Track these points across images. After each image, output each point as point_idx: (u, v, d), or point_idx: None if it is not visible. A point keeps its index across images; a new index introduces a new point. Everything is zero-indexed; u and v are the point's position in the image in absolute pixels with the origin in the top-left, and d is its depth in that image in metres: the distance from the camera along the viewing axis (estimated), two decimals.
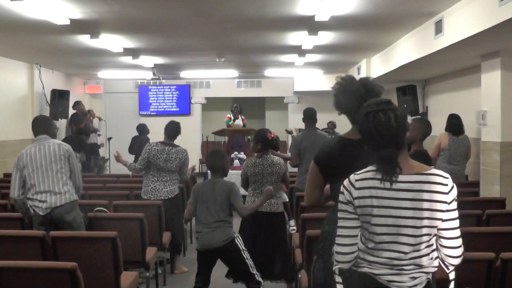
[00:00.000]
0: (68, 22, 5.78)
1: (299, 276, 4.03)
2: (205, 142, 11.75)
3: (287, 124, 13.42)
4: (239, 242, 3.98)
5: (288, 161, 6.27)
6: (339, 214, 2.12)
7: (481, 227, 4.18)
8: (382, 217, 2.02)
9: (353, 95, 2.60)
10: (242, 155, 9.37)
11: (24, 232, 3.98)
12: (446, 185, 2.03)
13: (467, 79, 8.03)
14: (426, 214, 2.00)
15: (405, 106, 9.50)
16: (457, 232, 2.08)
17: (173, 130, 5.55)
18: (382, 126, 2.01)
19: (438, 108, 9.17)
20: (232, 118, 10.38)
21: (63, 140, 9.66)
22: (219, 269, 4.21)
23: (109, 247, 3.55)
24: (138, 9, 5.63)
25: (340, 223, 2.12)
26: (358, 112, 2.13)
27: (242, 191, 4.39)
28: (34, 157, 4.13)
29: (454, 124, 6.70)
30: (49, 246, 3.61)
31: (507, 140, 6.02)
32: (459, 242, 2.08)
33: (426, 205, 2.00)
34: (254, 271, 3.97)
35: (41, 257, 3.59)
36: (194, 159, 13.17)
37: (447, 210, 2.03)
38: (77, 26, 6.18)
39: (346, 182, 2.10)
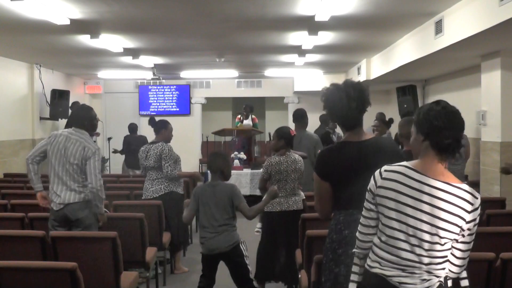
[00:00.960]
0: (68, 22, 5.78)
1: (299, 276, 4.03)
2: (205, 142, 11.75)
3: (287, 124, 13.41)
4: (244, 248, 3.97)
5: None
6: (365, 204, 2.18)
7: (481, 227, 4.17)
8: (398, 213, 2.03)
9: (346, 99, 2.65)
10: (242, 155, 9.36)
11: (24, 232, 3.99)
12: (472, 204, 2.02)
13: (467, 79, 8.03)
14: (442, 224, 1.99)
15: (405, 106, 9.49)
16: (466, 254, 2.10)
17: (154, 125, 5.57)
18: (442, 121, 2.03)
19: None
20: (242, 118, 10.34)
21: None
22: (220, 269, 4.20)
23: (109, 247, 3.55)
24: (138, 9, 5.63)
25: (363, 212, 2.20)
26: (417, 111, 2.13)
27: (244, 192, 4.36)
28: (59, 149, 4.11)
29: None
30: (49, 246, 3.61)
31: (507, 140, 6.02)
32: (463, 262, 2.11)
33: (442, 215, 1.99)
34: (252, 277, 4.02)
35: (41, 257, 3.59)
36: (194, 159, 13.20)
37: (465, 230, 2.03)
38: (77, 26, 6.18)
39: (377, 170, 2.14)
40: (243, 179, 8.92)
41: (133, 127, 9.70)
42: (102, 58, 9.25)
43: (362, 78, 9.87)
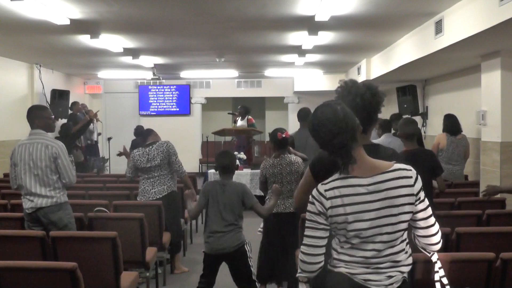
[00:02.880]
0: (68, 22, 5.78)
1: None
2: (205, 142, 11.75)
3: (287, 124, 13.43)
4: (248, 249, 3.96)
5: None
6: (308, 224, 2.12)
7: (481, 227, 4.18)
8: (358, 222, 2.02)
9: (359, 98, 2.55)
10: (242, 155, 9.36)
11: (24, 232, 3.98)
12: (411, 177, 2.05)
13: (467, 79, 8.03)
14: (396, 210, 2.02)
15: (405, 106, 9.49)
16: (432, 220, 2.11)
17: (141, 134, 5.59)
18: (322, 123, 2.04)
19: (438, 108, 9.16)
20: (236, 119, 10.33)
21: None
22: (220, 269, 4.20)
23: (109, 247, 3.55)
24: (138, 9, 5.63)
25: (308, 232, 2.11)
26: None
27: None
28: (24, 157, 4.12)
29: (451, 124, 6.70)
30: (49, 246, 3.61)
31: (507, 140, 6.02)
32: (435, 229, 2.12)
33: (395, 201, 2.02)
34: (255, 278, 4.00)
35: (41, 257, 3.59)
36: (194, 159, 13.20)
37: (417, 201, 2.05)
38: (77, 26, 6.18)
39: (315, 192, 2.09)
40: (243, 179, 8.91)
41: (140, 131, 9.58)
42: (102, 58, 9.25)
43: (362, 78, 9.87)
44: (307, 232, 2.12)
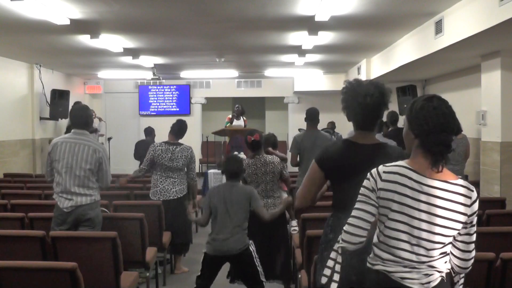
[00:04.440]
0: (68, 22, 5.78)
1: (299, 276, 4.03)
2: (205, 142, 11.75)
3: (287, 124, 13.43)
4: (253, 249, 3.96)
5: (288, 161, 6.27)
6: (359, 197, 2.12)
7: (481, 227, 4.18)
8: (401, 214, 2.02)
9: (369, 97, 2.53)
10: (241, 155, 9.36)
11: (24, 232, 3.98)
12: (470, 197, 2.03)
13: (467, 79, 8.03)
14: (441, 222, 2.00)
15: (405, 106, 9.48)
16: (472, 246, 2.09)
17: (180, 129, 5.53)
18: (437, 113, 2.02)
19: None
20: (233, 119, 10.34)
21: None
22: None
23: (109, 247, 3.55)
24: (138, 9, 5.63)
25: (358, 205, 2.11)
26: (410, 105, 2.11)
27: None
28: (67, 156, 4.09)
29: None
30: (49, 246, 3.61)
31: (507, 140, 6.02)
32: (472, 254, 2.10)
33: (442, 213, 2.00)
34: (263, 278, 3.97)
35: (41, 257, 3.59)
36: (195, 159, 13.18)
37: (466, 223, 2.03)
38: (77, 26, 6.18)
39: (374, 171, 2.10)
40: None
41: (150, 131, 9.49)
42: (102, 58, 9.25)
43: (362, 78, 9.87)
44: (358, 205, 2.11)
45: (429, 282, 2.03)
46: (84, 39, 7.11)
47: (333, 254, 2.20)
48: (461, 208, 2.00)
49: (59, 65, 10.38)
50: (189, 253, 6.32)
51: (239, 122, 10.14)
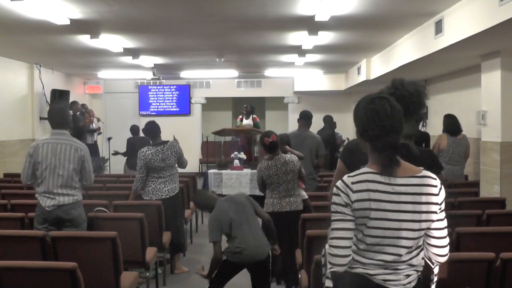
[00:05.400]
0: (68, 22, 5.78)
1: (299, 276, 4.03)
2: (205, 142, 11.75)
3: (287, 124, 13.43)
4: (270, 253, 3.96)
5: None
6: (334, 216, 2.06)
7: (481, 227, 4.18)
8: (380, 220, 2.00)
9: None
10: (242, 155, 9.37)
11: (24, 232, 3.98)
12: (436, 186, 2.05)
13: (467, 79, 8.03)
14: (423, 216, 2.01)
15: None
16: (445, 232, 2.10)
17: (152, 130, 5.49)
18: (380, 116, 1.99)
19: (438, 108, 9.17)
20: (243, 118, 10.32)
21: None
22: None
23: (109, 247, 3.55)
24: (138, 9, 5.63)
25: (336, 225, 2.05)
26: (354, 109, 2.09)
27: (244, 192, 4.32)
28: (50, 156, 4.11)
29: (450, 124, 6.70)
30: (49, 246, 3.61)
31: (507, 140, 6.02)
32: (446, 241, 2.11)
33: (424, 207, 2.01)
34: (270, 280, 4.01)
35: (41, 257, 3.59)
36: (194, 159, 13.19)
37: (439, 211, 2.05)
38: (77, 26, 6.18)
39: (340, 184, 2.04)
40: (243, 179, 8.92)
41: (135, 129, 9.54)
42: (102, 58, 9.25)
43: (362, 78, 9.88)
44: (335, 224, 2.05)
45: (409, 282, 2.04)
46: (84, 39, 7.11)
47: (328, 283, 2.12)
48: (433, 198, 2.02)
49: (59, 65, 10.38)
50: (189, 253, 6.33)
51: (248, 121, 10.13)
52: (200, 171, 12.95)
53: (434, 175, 2.06)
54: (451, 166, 6.56)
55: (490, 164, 6.24)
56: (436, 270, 2.20)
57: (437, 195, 2.03)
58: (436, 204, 2.03)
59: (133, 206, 5.03)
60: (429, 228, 2.06)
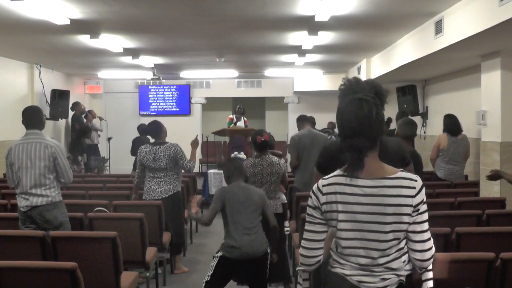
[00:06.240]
0: (68, 22, 5.78)
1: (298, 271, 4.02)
2: (205, 142, 11.76)
3: (287, 124, 13.43)
4: (269, 252, 3.92)
5: (287, 161, 6.30)
6: (307, 218, 2.13)
7: (481, 227, 4.18)
8: (347, 222, 2.01)
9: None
10: (242, 155, 9.36)
11: (24, 232, 3.98)
12: (414, 188, 2.00)
13: (467, 79, 8.03)
14: (391, 219, 1.98)
15: (405, 106, 9.49)
16: (426, 235, 2.05)
17: (154, 130, 5.50)
18: (349, 117, 1.98)
19: (438, 108, 9.16)
20: (235, 119, 10.34)
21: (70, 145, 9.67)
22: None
23: (109, 247, 3.55)
24: (138, 9, 5.63)
25: (306, 226, 2.12)
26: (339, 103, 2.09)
27: None
28: (20, 156, 4.17)
29: (451, 124, 6.70)
30: (49, 246, 3.61)
31: (507, 140, 6.02)
32: (428, 245, 2.06)
33: (390, 209, 1.97)
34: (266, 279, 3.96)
35: (41, 257, 3.59)
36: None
37: (414, 213, 2.00)
38: (77, 26, 6.18)
39: (315, 187, 2.09)
40: None
41: (142, 129, 9.48)
42: (102, 58, 9.25)
43: (362, 78, 9.85)
44: (306, 226, 2.13)
45: (385, 286, 2.01)
46: (84, 39, 7.11)
47: (299, 279, 2.23)
48: (406, 201, 1.98)
49: (59, 65, 10.38)
50: (189, 253, 6.33)
51: (240, 123, 10.14)
52: (200, 171, 12.95)
53: (414, 177, 2.02)
54: (451, 166, 6.56)
55: (490, 164, 6.23)
56: (428, 275, 2.13)
57: (412, 196, 1.98)
58: (410, 206, 1.98)
59: (133, 206, 5.03)
60: (407, 231, 2.02)
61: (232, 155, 9.38)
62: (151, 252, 4.55)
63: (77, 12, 5.59)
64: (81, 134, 10.16)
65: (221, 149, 11.95)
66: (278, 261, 4.62)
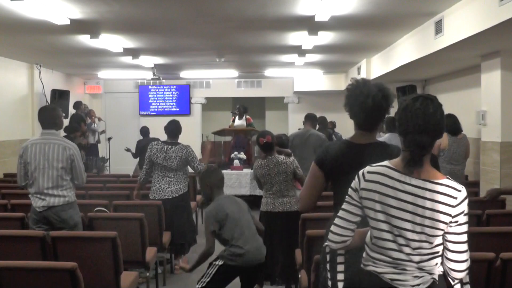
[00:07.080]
0: (68, 22, 5.78)
1: (299, 276, 4.03)
2: (205, 142, 11.75)
3: (287, 124, 13.42)
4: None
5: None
6: (346, 198, 2.17)
7: (481, 227, 4.18)
8: (382, 214, 2.04)
9: (371, 99, 2.51)
10: (242, 155, 9.36)
11: (24, 232, 3.99)
12: (455, 198, 1.99)
13: (467, 79, 8.03)
14: (423, 221, 1.99)
15: None
16: (463, 247, 2.04)
17: (173, 130, 5.55)
18: (417, 113, 1.99)
19: None
20: (234, 118, 10.32)
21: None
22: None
23: (109, 247, 3.55)
24: (138, 9, 5.63)
25: (344, 205, 2.17)
26: (399, 104, 2.10)
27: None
28: (38, 156, 4.14)
29: (451, 124, 6.70)
30: (49, 246, 3.61)
31: (507, 140, 6.02)
32: (464, 256, 2.05)
33: (426, 213, 1.98)
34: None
35: (41, 257, 3.59)
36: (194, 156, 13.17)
37: (451, 223, 2.00)
38: (77, 26, 6.18)
39: (360, 171, 2.13)
40: (243, 179, 8.92)
41: (144, 131, 9.48)
42: (102, 58, 9.25)
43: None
44: (343, 205, 2.18)
45: (418, 285, 2.02)
46: (84, 39, 7.10)
47: (339, 258, 2.23)
48: (444, 208, 1.98)
49: (59, 65, 10.38)
50: (189, 253, 6.32)
51: (241, 122, 10.13)
52: None
53: (459, 187, 2.02)
54: (452, 166, 6.55)
55: (490, 164, 6.24)
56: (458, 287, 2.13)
57: (452, 206, 1.98)
58: (448, 215, 1.98)
59: (133, 206, 5.04)
60: (445, 240, 2.03)
61: (232, 155, 9.38)
62: (151, 252, 4.56)
63: (77, 12, 5.59)
64: (70, 131, 9.73)
65: (221, 149, 11.94)
66: (289, 262, 4.60)
